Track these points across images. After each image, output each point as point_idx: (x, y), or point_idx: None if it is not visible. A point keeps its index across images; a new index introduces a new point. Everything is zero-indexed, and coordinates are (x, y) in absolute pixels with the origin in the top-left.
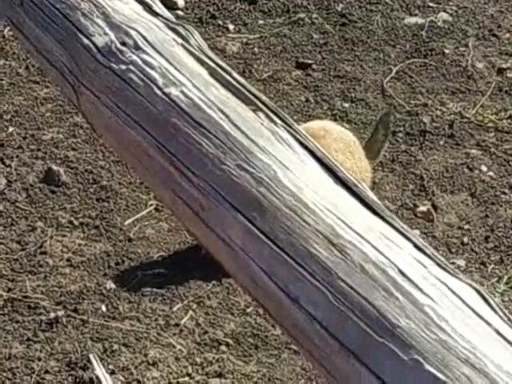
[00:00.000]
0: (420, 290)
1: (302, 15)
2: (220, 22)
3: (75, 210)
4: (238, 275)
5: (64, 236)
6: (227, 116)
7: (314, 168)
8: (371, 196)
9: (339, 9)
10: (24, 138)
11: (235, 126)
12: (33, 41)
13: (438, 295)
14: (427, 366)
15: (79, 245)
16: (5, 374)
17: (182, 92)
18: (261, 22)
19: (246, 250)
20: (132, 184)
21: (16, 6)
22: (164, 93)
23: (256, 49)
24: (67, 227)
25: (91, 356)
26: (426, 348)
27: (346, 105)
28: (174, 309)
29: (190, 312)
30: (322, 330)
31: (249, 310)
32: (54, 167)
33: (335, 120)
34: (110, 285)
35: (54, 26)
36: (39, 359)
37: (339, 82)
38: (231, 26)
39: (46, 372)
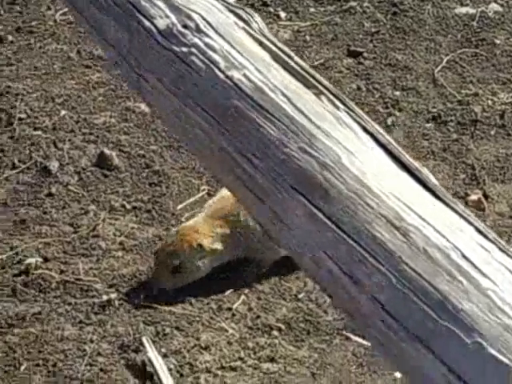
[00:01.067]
0: (483, 274)
1: (353, 3)
2: (271, 10)
3: (127, 194)
4: (301, 259)
5: (116, 219)
6: (290, 100)
7: (377, 153)
8: (434, 181)
9: None
10: (76, 122)
11: (298, 109)
12: (93, 23)
13: (501, 279)
14: (490, 350)
15: (131, 228)
16: (57, 356)
17: (245, 75)
18: (312, 9)
19: (308, 233)
20: (184, 169)
21: None
22: (226, 76)
23: (307, 36)
24: (120, 211)
25: (144, 339)
26: (488, 331)
27: (397, 93)
28: (226, 293)
29: (243, 297)
30: (385, 313)
31: (300, 296)
32: (107, 151)
33: (386, 108)
34: None
35: (114, 8)
36: (91, 341)
37: (390, 71)
38: (283, 14)
39: (99, 354)
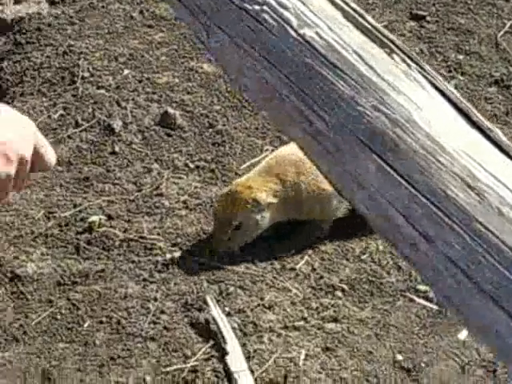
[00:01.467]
0: None
1: None
2: None
3: (191, 153)
4: (372, 216)
5: (180, 178)
6: (362, 58)
7: (449, 111)
8: (506, 141)
9: None
10: (139, 81)
11: (370, 67)
12: None
13: None
14: None
15: (195, 187)
16: (121, 314)
17: (317, 33)
18: None
19: (381, 191)
20: (247, 129)
21: None
22: (299, 34)
23: None
24: (183, 170)
25: (208, 297)
26: None
27: (460, 57)
28: (290, 253)
29: (306, 257)
30: (458, 271)
31: (363, 257)
32: (170, 110)
33: (449, 72)
34: None
35: None
36: (155, 299)
37: (453, 35)
38: None
39: (162, 312)
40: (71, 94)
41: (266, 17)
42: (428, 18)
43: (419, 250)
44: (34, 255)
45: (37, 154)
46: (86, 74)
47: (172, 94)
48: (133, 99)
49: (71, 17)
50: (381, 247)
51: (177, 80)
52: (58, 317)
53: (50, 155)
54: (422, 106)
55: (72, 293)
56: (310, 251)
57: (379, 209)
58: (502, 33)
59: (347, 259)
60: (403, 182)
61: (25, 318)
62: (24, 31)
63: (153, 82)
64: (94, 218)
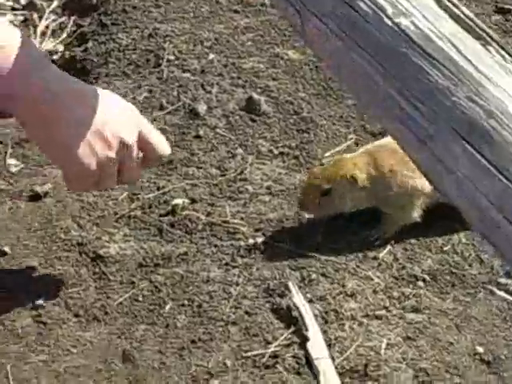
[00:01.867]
0: None
1: None
2: None
3: (275, 139)
4: (463, 206)
5: (264, 164)
6: (457, 48)
7: None
8: None
9: None
10: (224, 66)
11: (466, 58)
12: None
13: None
14: None
15: (279, 174)
16: (202, 297)
17: (412, 22)
18: None
19: (474, 182)
20: (332, 117)
21: None
22: (394, 22)
23: None
24: (267, 156)
25: (290, 283)
26: None
27: None
28: (373, 242)
29: (388, 247)
30: None
31: (446, 248)
32: (255, 96)
33: None
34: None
35: None
36: (237, 284)
37: None
38: None
39: (244, 297)
40: (156, 77)
41: (361, 4)
42: None
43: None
44: (117, 236)
45: (144, 141)
46: (171, 57)
47: (257, 80)
48: (218, 84)
49: (157, 0)
50: (463, 239)
51: (262, 66)
52: (140, 298)
53: (161, 144)
54: None
55: (154, 275)
56: (392, 241)
57: (471, 200)
58: None
59: (429, 250)
60: (497, 174)
61: (106, 299)
62: (109, 12)
63: (238, 67)
64: (178, 201)
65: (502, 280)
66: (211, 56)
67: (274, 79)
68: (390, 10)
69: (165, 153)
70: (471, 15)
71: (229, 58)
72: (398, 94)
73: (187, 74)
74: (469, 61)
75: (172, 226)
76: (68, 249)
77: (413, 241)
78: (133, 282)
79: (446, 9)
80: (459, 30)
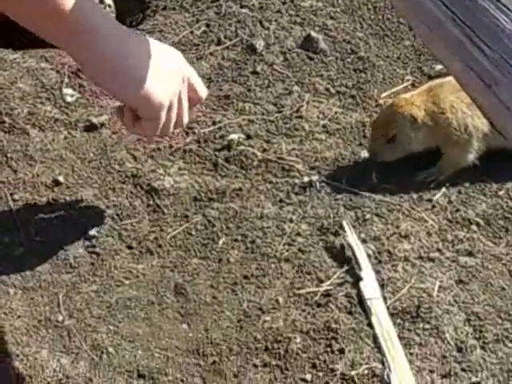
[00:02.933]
0: None
1: None
2: None
3: (332, 78)
4: None
5: (320, 102)
6: None
7: None
8: None
9: None
10: (283, 3)
11: None
12: None
13: None
14: None
15: (335, 112)
16: (256, 233)
17: None
18: None
19: None
20: (389, 58)
21: None
22: None
23: None
24: (323, 94)
25: (344, 222)
26: None
27: None
28: (429, 183)
29: (443, 189)
30: None
31: (501, 193)
32: (313, 34)
33: None
34: (364, 154)
35: None
36: (291, 221)
37: None
38: None
39: (298, 234)
40: (214, 12)
41: None
42: None
43: None
44: (172, 169)
45: (189, 84)
46: None
47: (315, 18)
48: (276, 20)
49: None
50: None
51: (320, 4)
52: (193, 232)
53: (201, 87)
54: None
55: (208, 209)
56: (447, 184)
57: None
58: None
59: (484, 194)
60: None
61: (160, 232)
62: None
63: (296, 4)
64: (233, 137)
65: None
66: None
67: (332, 18)
68: None
69: (204, 96)
70: None
71: None
72: (464, 37)
73: (245, 10)
74: None
75: (227, 161)
76: (122, 180)
77: (467, 184)
78: (186, 216)
79: None
80: None
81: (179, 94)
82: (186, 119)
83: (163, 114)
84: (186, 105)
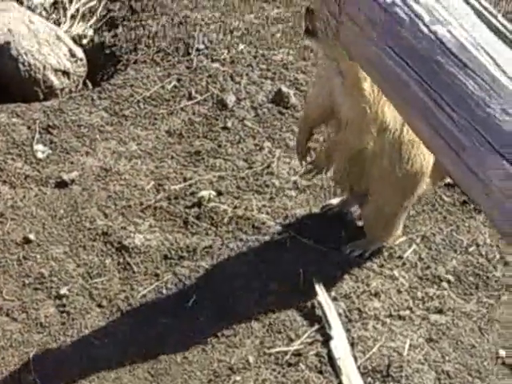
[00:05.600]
0: None
1: None
2: None
3: None
4: (494, 215)
5: (291, 158)
6: (493, 59)
7: None
8: None
9: None
10: (254, 57)
11: (502, 70)
12: None
13: None
14: None
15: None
16: (226, 292)
17: (449, 31)
18: None
19: (505, 193)
20: None
21: None
22: (430, 30)
23: None
24: (294, 150)
25: (314, 281)
26: None
27: None
28: (397, 242)
29: (414, 246)
30: None
31: (471, 249)
32: (284, 89)
33: None
34: (334, 205)
35: None
36: (261, 279)
37: None
38: None
39: (268, 293)
40: (185, 66)
41: (398, 10)
42: None
43: None
44: (142, 227)
45: None
46: (201, 46)
47: (286, 72)
48: (247, 74)
49: None
50: (488, 240)
51: (291, 58)
52: (164, 291)
53: None
54: None
55: (178, 267)
56: (418, 240)
57: (501, 209)
58: None
59: (454, 250)
60: None
61: (130, 290)
62: None
63: (268, 58)
64: (204, 193)
65: None
66: (241, 46)
67: (303, 72)
68: (426, 18)
69: None
70: (508, 25)
71: (258, 49)
72: (431, 101)
73: (216, 64)
74: (504, 73)
75: (198, 218)
76: (93, 238)
77: (438, 240)
78: (157, 274)
79: (482, 18)
80: (496, 41)
81: None
82: None
83: None
84: None
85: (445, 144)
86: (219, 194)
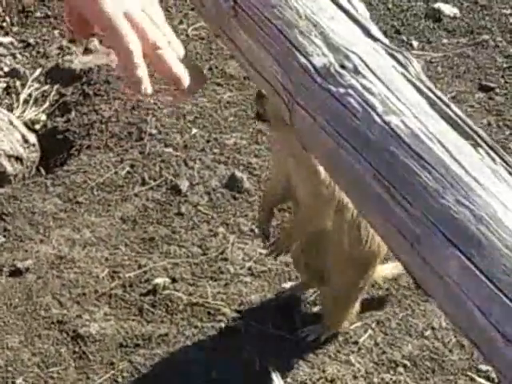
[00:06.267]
0: None
1: (485, 37)
2: (404, 38)
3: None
4: (450, 310)
5: (245, 244)
6: (447, 150)
7: None
8: None
9: None
10: (207, 141)
11: (455, 160)
12: (245, 53)
13: None
14: None
15: (260, 254)
16: (183, 380)
17: (402, 121)
18: (445, 40)
19: (462, 286)
20: None
21: (230, 18)
22: (384, 121)
23: (439, 68)
24: (248, 235)
25: (270, 368)
26: None
27: None
28: (353, 327)
29: (369, 331)
30: None
31: (427, 333)
32: (238, 173)
33: None
34: (289, 294)
35: (269, 41)
36: (218, 367)
37: None
38: (415, 43)
39: (225, 381)
40: (138, 151)
41: (351, 100)
42: (497, 90)
43: (498, 350)
44: (97, 315)
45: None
46: (154, 131)
47: (239, 157)
48: (200, 159)
49: None
50: (444, 324)
51: (244, 142)
52: (120, 380)
53: (176, 43)
54: (508, 205)
55: (134, 356)
56: (373, 325)
57: (458, 303)
58: None
59: (410, 335)
60: (485, 280)
61: (86, 379)
62: (92, 82)
63: (220, 142)
64: (159, 280)
65: (482, 367)
66: (194, 131)
67: (256, 156)
68: (380, 108)
69: (179, 54)
70: (461, 114)
71: (212, 134)
72: (386, 193)
73: (169, 149)
74: (459, 163)
75: (153, 305)
76: (48, 327)
77: (393, 325)
78: (112, 363)
79: (436, 107)
80: (449, 130)
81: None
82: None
83: (118, 22)
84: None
85: (400, 236)
86: (174, 280)
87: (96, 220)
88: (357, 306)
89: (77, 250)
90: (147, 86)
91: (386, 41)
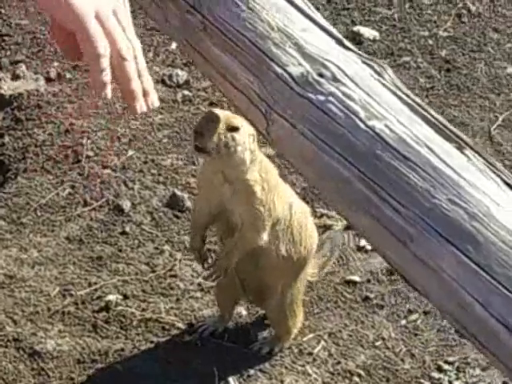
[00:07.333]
0: None
1: (406, 59)
2: None
3: None
4: (446, 304)
5: (192, 261)
6: (434, 152)
7: None
8: None
9: (443, 54)
10: (144, 163)
11: (443, 161)
12: (216, 65)
13: None
14: None
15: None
16: None
17: (387, 126)
18: None
19: (459, 280)
20: None
21: (198, 31)
22: (367, 126)
23: None
24: None
25: (230, 379)
26: None
27: None
28: (305, 338)
29: (322, 342)
30: None
31: (378, 344)
32: (179, 193)
33: None
34: (242, 311)
35: (241, 52)
36: (176, 381)
37: None
38: None
39: None
40: (77, 173)
41: (332, 107)
42: None
43: (501, 340)
44: (52, 332)
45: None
46: (91, 153)
47: (177, 177)
48: (139, 180)
49: (69, 95)
50: (393, 334)
51: (181, 163)
52: None
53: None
54: (498, 202)
55: (93, 371)
56: (325, 336)
57: (456, 297)
58: (495, 126)
59: (362, 346)
60: (482, 273)
61: None
62: (23, 107)
63: (157, 163)
64: (111, 297)
65: (435, 374)
66: (130, 152)
67: (193, 176)
68: (362, 114)
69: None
70: (442, 119)
71: (148, 155)
72: (375, 195)
73: (108, 171)
74: (446, 163)
75: (107, 322)
76: (4, 345)
77: (345, 336)
78: (72, 378)
79: (417, 113)
80: (433, 134)
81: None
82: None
83: (88, 23)
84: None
85: (392, 237)
86: (125, 297)
87: (42, 240)
88: (302, 311)
89: (26, 269)
90: (108, 92)
91: (358, 51)
